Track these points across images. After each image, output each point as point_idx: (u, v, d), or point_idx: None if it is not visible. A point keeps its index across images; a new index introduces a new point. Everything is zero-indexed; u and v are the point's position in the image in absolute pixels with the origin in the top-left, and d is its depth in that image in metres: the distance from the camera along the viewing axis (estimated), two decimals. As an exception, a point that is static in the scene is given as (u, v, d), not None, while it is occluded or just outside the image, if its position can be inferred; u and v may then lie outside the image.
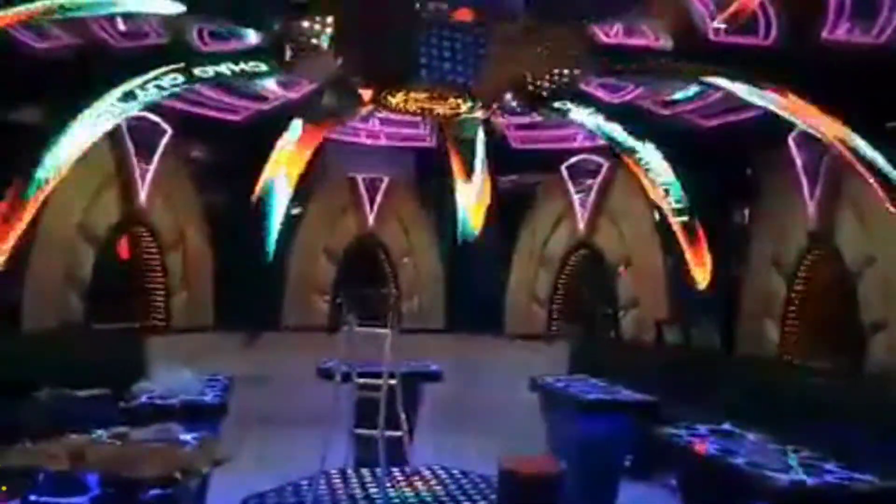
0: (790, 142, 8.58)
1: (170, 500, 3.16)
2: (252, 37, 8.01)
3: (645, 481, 6.41)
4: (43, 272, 8.30)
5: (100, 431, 4.09)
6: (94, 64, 7.61)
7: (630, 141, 9.33)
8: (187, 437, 4.01)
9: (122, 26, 7.66)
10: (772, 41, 6.87)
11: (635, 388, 6.57)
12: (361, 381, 6.27)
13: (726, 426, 4.98)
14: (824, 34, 6.56)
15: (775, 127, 8.33)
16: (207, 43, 8.14)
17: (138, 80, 7.90)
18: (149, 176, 9.78)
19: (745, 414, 5.30)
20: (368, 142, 11.20)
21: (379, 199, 12.08)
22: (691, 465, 4.67)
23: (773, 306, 8.75)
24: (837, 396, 6.16)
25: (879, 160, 6.89)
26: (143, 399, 5.72)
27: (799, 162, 8.52)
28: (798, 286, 8.61)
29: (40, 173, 7.61)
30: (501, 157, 11.26)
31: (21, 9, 6.55)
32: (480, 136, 9.97)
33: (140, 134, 9.63)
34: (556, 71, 8.23)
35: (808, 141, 8.10)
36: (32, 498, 2.89)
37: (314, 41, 7.92)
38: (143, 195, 9.78)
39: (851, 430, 5.35)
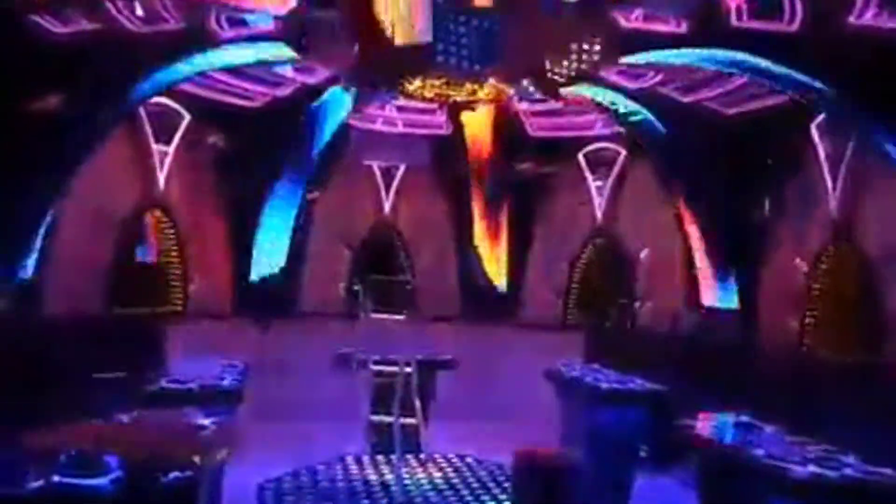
0: (813, 131, 8.42)
1: (188, 483, 3.20)
2: (269, 23, 8.00)
3: (661, 472, 6.39)
4: (64, 257, 8.40)
5: (120, 415, 4.14)
6: (114, 49, 7.63)
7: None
8: (205, 421, 4.05)
9: (139, 10, 7.69)
10: (797, 26, 6.71)
11: (651, 378, 6.53)
12: (377, 367, 6.31)
13: (745, 418, 4.94)
14: (851, 19, 6.39)
15: (797, 116, 8.18)
16: (224, 28, 8.14)
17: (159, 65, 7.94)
18: (167, 161, 9.84)
19: (764, 406, 5.25)
20: (385, 129, 11.18)
21: (395, 186, 12.08)
22: (709, 457, 4.64)
23: (793, 298, 8.64)
24: (858, 389, 6.08)
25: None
26: (162, 384, 5.79)
27: (821, 152, 8.37)
28: (819, 278, 8.48)
29: (63, 159, 7.69)
30: (518, 144, 11.21)
31: None
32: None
33: (159, 119, 9.69)
34: (574, 57, 8.14)
35: (831, 130, 7.95)
36: (56, 478, 2.94)
37: (330, 27, 7.90)
38: (161, 180, 9.85)
39: (871, 423, 5.28)
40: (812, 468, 3.87)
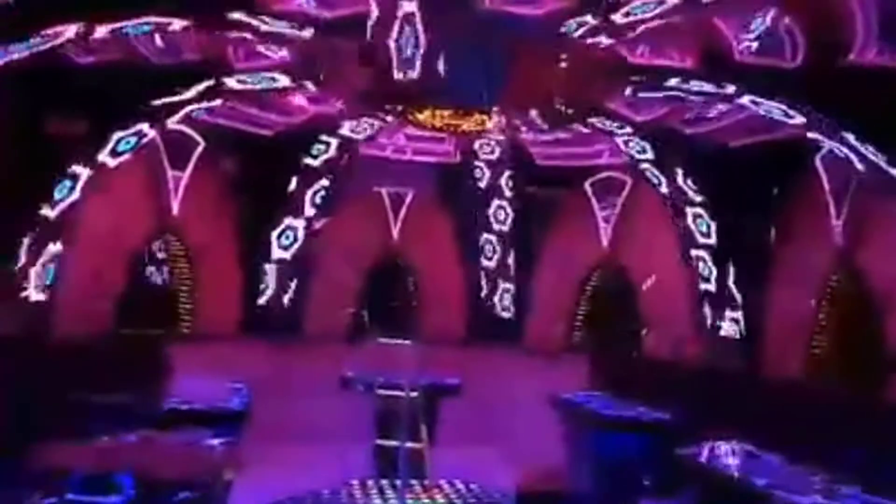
0: (817, 162, 8.51)
1: (197, 503, 3.27)
2: (284, 53, 8.22)
3: (664, 500, 6.37)
4: (75, 278, 8.54)
5: (128, 436, 4.22)
6: (133, 78, 7.87)
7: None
8: (213, 442, 4.12)
9: (159, 42, 7.93)
10: (799, 62, 6.85)
11: (656, 406, 6.56)
12: (383, 392, 6.37)
13: (748, 447, 4.96)
14: (852, 56, 6.52)
15: (802, 147, 8.28)
16: (241, 59, 8.37)
17: (178, 96, 8.16)
18: (181, 187, 10.04)
19: (768, 436, 5.27)
20: (394, 156, 11.35)
21: (403, 212, 12.20)
22: (711, 485, 4.66)
23: (798, 328, 8.65)
24: (862, 420, 6.07)
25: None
26: (170, 404, 5.87)
27: (826, 182, 8.46)
28: (824, 308, 8.51)
29: (79, 183, 7.89)
30: (525, 172, 11.35)
31: None
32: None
33: (174, 146, 9.90)
34: (582, 89, 8.30)
35: (836, 162, 8.03)
36: (69, 496, 3.01)
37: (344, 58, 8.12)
38: (175, 206, 10.04)
39: (874, 454, 5.27)
40: (814, 498, 3.90)
